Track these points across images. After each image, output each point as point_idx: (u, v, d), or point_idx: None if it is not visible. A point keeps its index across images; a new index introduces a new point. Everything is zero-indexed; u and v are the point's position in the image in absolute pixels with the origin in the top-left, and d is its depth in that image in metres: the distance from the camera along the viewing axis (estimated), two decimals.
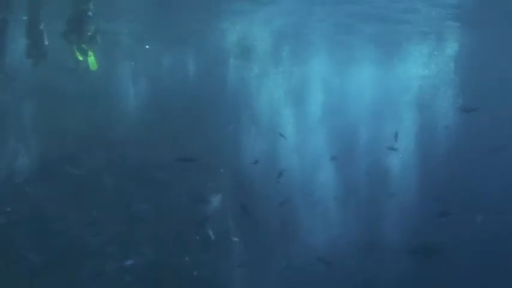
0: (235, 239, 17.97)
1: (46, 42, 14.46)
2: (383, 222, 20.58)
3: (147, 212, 18.08)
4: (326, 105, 29.96)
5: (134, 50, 29.81)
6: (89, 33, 14.48)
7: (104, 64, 16.05)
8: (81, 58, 14.42)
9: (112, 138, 21.07)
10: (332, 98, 31.12)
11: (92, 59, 14.59)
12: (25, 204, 16.50)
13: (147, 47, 28.81)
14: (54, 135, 19.83)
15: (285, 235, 19.30)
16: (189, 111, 24.23)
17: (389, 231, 20.15)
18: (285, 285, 17.76)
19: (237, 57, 28.94)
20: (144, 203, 18.30)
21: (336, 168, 22.72)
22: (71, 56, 14.71)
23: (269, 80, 29.22)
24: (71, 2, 15.02)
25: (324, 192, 21.82)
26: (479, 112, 17.91)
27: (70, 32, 14.49)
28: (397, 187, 21.83)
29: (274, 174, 19.48)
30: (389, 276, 18.40)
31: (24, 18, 15.06)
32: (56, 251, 15.92)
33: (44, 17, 15.28)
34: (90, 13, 14.68)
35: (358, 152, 25.24)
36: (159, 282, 16.06)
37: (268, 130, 23.93)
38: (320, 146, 25.06)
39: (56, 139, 19.79)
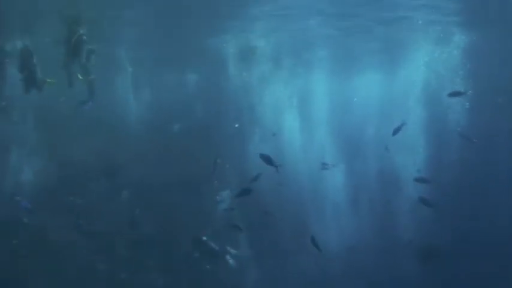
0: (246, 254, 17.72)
1: (39, 75, 14.54)
2: (389, 223, 20.44)
3: (156, 235, 17.82)
4: (332, 113, 29.84)
5: (135, 71, 29.70)
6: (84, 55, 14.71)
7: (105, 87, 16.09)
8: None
9: (117, 163, 20.80)
10: (337, 106, 31.00)
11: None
12: (30, 236, 16.20)
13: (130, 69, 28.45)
14: (58, 164, 19.67)
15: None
16: (195, 131, 23.95)
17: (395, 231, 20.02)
18: None
19: (240, 68, 28.75)
20: (152, 225, 18.01)
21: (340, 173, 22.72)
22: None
23: (273, 89, 29.07)
24: (64, 28, 15.13)
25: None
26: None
27: (70, 63, 14.57)
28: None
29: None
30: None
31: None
32: (66, 281, 15.73)
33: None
34: (84, 37, 14.77)
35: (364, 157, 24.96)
36: None
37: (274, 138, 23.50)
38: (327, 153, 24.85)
39: (60, 168, 19.65)
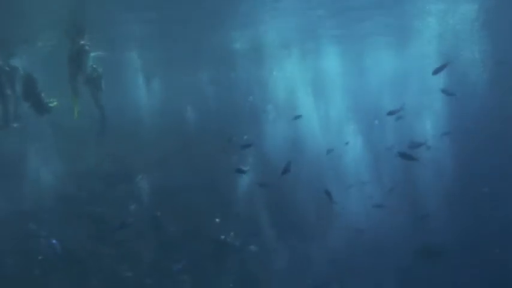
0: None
1: (45, 101, 14.86)
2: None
3: (180, 236, 17.77)
4: (347, 95, 29.59)
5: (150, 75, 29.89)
6: (92, 76, 14.74)
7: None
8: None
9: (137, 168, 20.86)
10: (352, 88, 30.71)
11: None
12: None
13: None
14: (76, 175, 19.76)
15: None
16: (211, 132, 24.01)
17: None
18: None
19: (252, 61, 28.57)
20: (175, 227, 17.95)
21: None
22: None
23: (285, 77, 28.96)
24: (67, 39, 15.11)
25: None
26: None
27: (74, 74, 14.53)
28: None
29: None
30: None
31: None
32: None
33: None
34: (87, 47, 14.73)
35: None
36: None
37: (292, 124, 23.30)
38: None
39: (78, 178, 19.73)
